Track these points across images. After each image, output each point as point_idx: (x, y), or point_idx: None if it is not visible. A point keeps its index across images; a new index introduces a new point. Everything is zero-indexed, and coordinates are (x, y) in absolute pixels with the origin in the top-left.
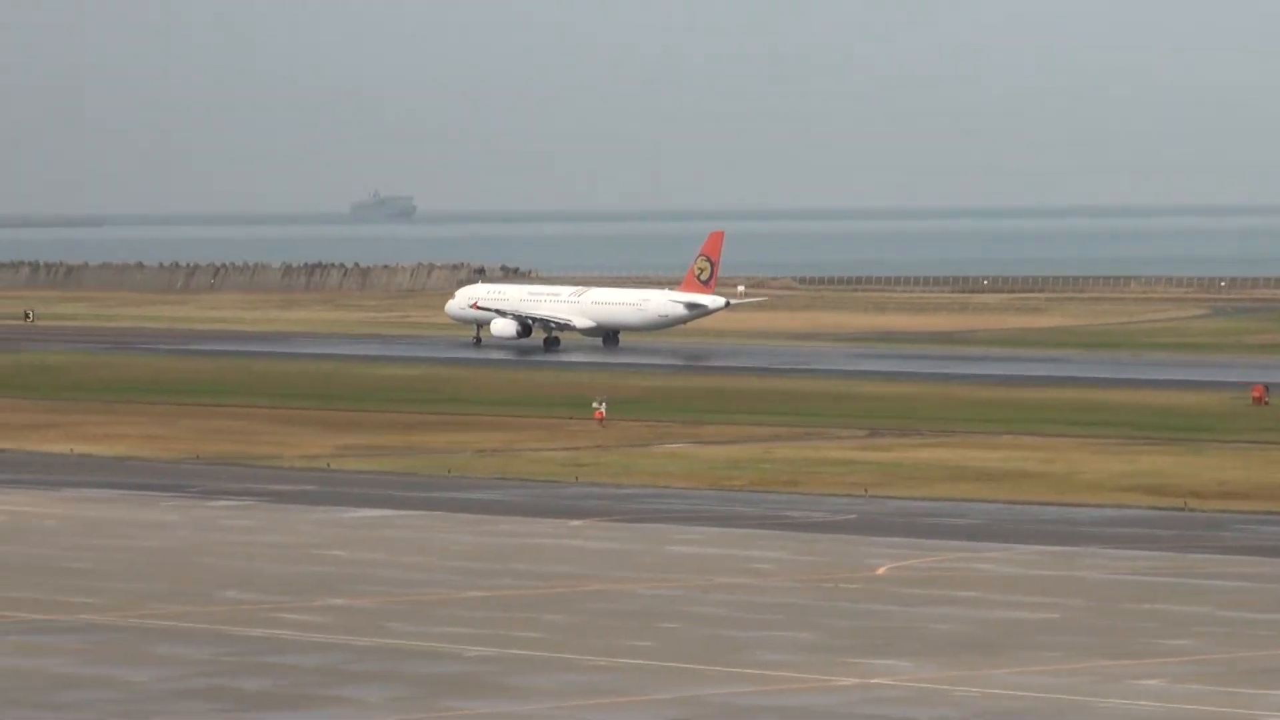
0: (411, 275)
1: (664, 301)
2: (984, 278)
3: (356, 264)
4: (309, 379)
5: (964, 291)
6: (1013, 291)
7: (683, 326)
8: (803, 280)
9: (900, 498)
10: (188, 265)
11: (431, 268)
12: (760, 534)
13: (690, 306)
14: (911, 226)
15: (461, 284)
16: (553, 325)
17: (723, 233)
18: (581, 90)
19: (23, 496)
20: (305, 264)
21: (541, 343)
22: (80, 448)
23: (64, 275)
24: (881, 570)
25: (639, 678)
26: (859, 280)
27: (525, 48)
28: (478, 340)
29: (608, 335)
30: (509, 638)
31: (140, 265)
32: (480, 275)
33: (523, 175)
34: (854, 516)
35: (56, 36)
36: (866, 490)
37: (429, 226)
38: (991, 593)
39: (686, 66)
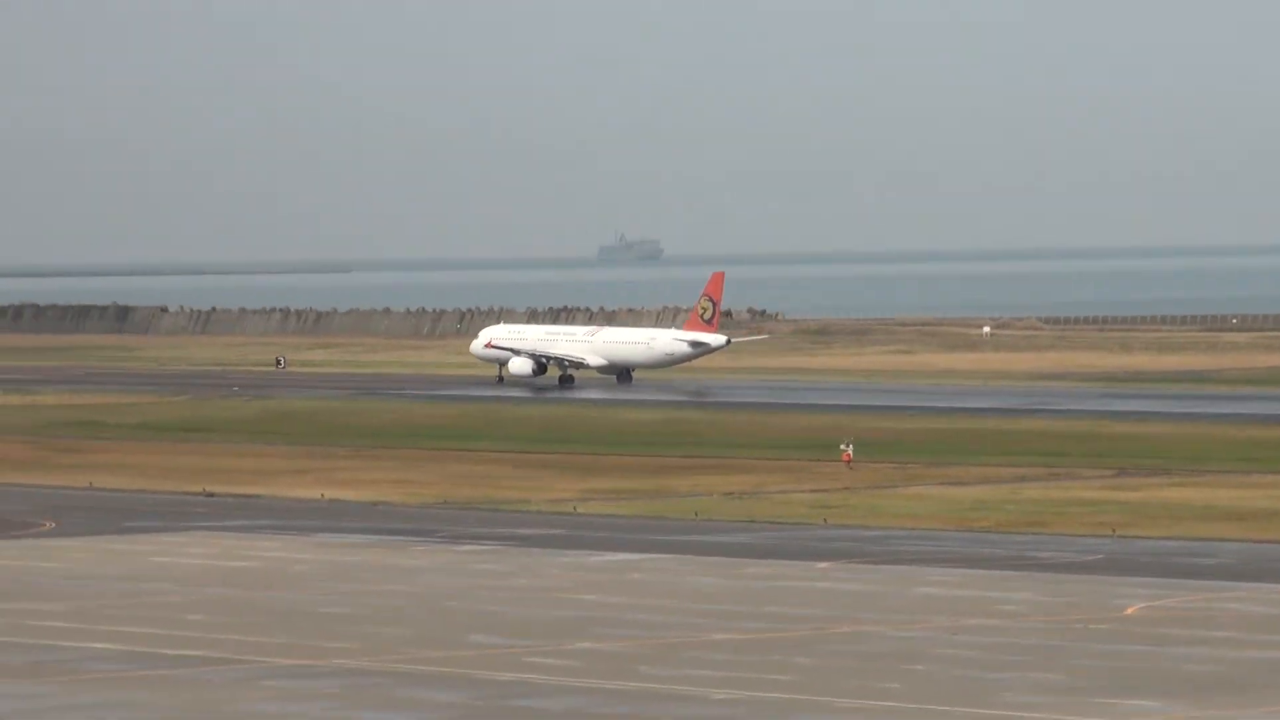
0: (656, 318)
1: (669, 340)
2: (1232, 316)
3: (602, 307)
4: (554, 423)
5: (1212, 330)
6: (1262, 330)
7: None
8: (1047, 320)
9: (1149, 537)
10: (434, 310)
11: (676, 310)
12: (1008, 575)
13: (694, 344)
14: (1156, 265)
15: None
16: (567, 364)
17: (723, 274)
18: (829, 131)
19: (276, 542)
20: (550, 308)
21: (557, 380)
22: (331, 493)
23: (314, 321)
24: (1131, 610)
25: None
26: (1104, 320)
27: (772, 90)
28: (500, 379)
29: (621, 373)
30: (757, 680)
31: (387, 311)
32: (726, 318)
33: (769, 217)
34: (1102, 557)
35: (313, 81)
36: (1115, 530)
37: (676, 269)
38: (1243, 633)
39: (925, 106)
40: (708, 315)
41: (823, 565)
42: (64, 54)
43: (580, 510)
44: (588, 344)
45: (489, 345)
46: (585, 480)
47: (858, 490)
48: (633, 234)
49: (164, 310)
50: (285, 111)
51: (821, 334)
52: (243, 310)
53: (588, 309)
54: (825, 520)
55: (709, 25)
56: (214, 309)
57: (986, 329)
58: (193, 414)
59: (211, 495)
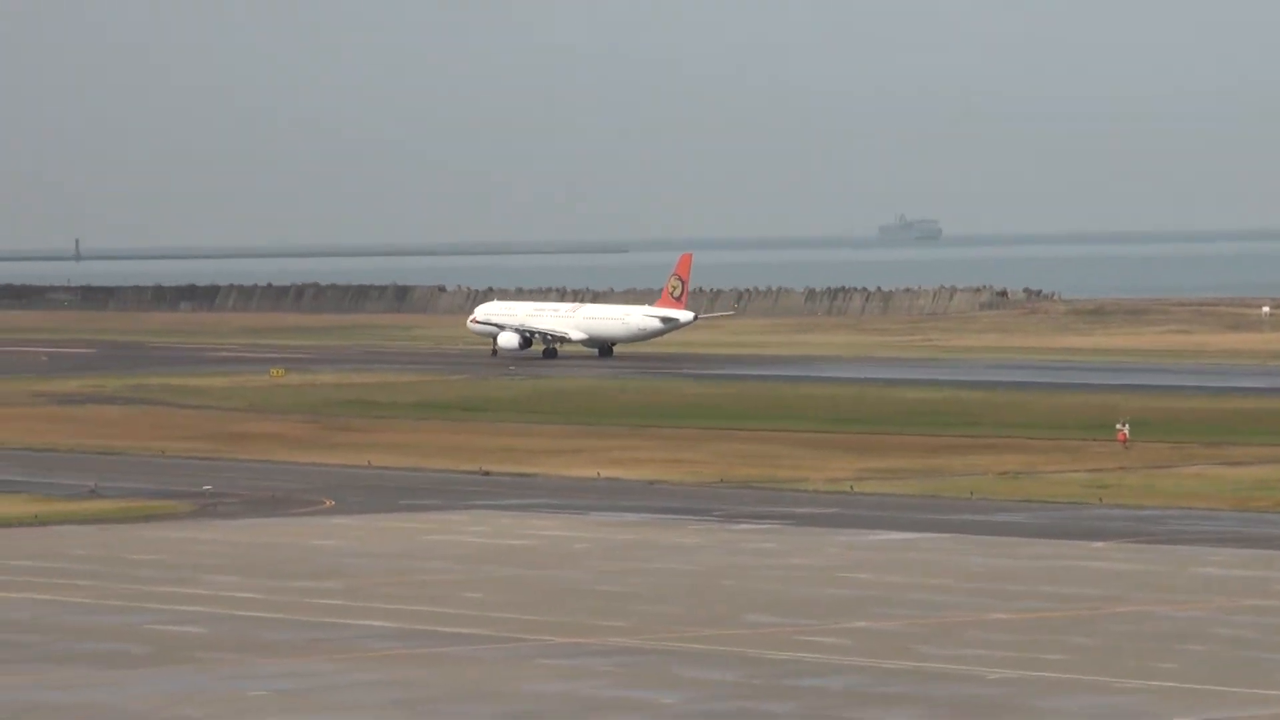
0: (933, 298)
1: (641, 316)
2: None
3: (879, 288)
4: (831, 402)
5: None
6: None
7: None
8: None
9: None
10: (711, 290)
11: (954, 291)
12: None
13: (664, 320)
14: None
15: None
16: (550, 337)
17: (691, 255)
18: (1110, 111)
19: (552, 521)
20: (828, 288)
21: (541, 353)
22: (607, 472)
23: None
24: None
25: (1165, 700)
26: None
27: (1064, 71)
28: (494, 352)
29: (602, 347)
30: (1034, 660)
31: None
32: (1001, 298)
33: (1043, 199)
34: None
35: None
36: None
37: (954, 249)
38: None
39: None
40: (677, 293)
41: (1099, 545)
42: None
43: (856, 489)
44: (570, 319)
45: (473, 320)
46: (862, 459)
47: (1134, 470)
48: (913, 214)
49: (442, 290)
50: (593, 87)
51: (1096, 314)
52: (519, 290)
53: (865, 289)
54: (1101, 500)
55: (1043, 8)
56: (490, 289)
57: (1266, 309)
58: (469, 393)
59: (488, 474)
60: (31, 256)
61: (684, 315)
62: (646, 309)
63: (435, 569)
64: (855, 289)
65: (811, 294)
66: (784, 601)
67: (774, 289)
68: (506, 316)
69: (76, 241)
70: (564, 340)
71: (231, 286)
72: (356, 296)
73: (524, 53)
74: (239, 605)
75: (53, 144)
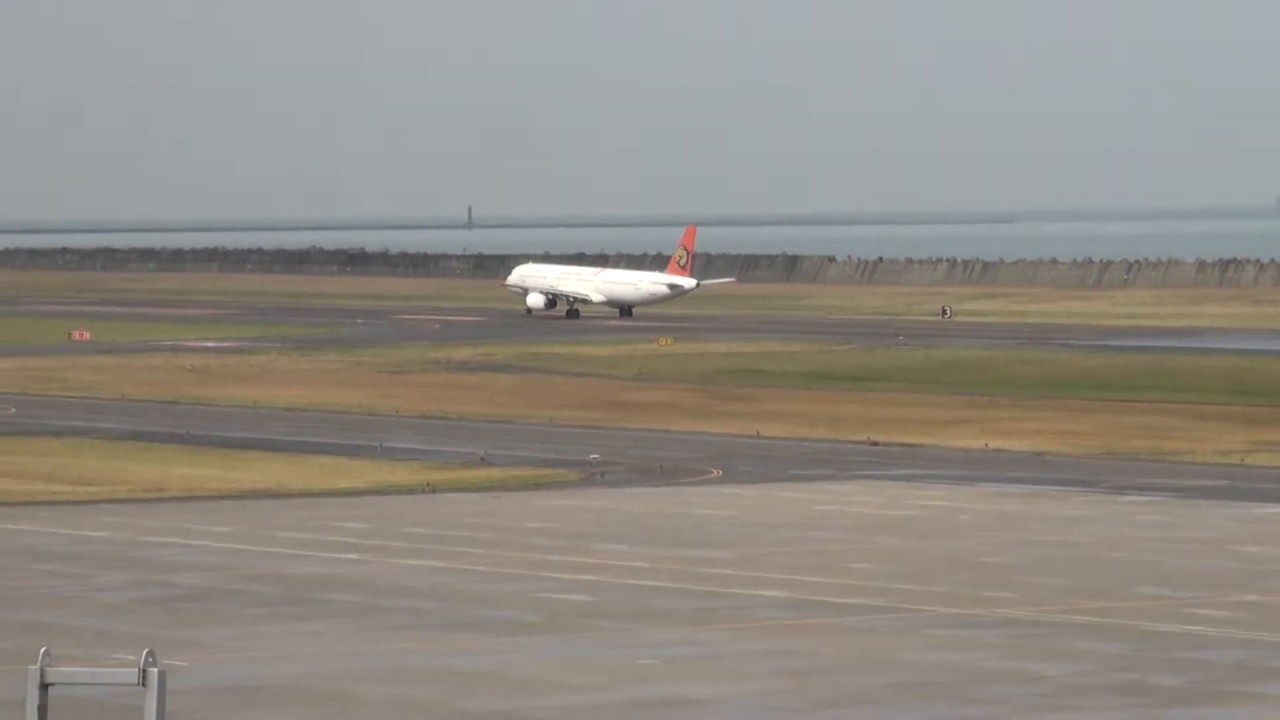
0: None
1: (650, 283)
2: None
3: (1273, 259)
4: (1223, 374)
5: None
6: None
7: None
8: None
9: None
10: (1100, 261)
11: None
12: None
13: (671, 286)
14: None
15: None
16: (572, 299)
17: (695, 228)
18: None
19: (939, 491)
20: (1219, 259)
21: (565, 314)
22: (995, 443)
23: (979, 272)
24: None
25: None
26: None
27: None
28: (528, 311)
29: (623, 309)
30: None
31: (1054, 261)
32: None
33: None
34: None
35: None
36: None
37: None
38: None
39: None
40: (683, 262)
41: None
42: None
43: (1247, 461)
44: (590, 283)
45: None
46: (1254, 432)
47: None
48: None
49: (831, 260)
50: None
51: None
52: (909, 260)
53: (1258, 260)
54: None
55: None
56: (880, 259)
57: None
58: (858, 363)
59: (876, 444)
60: (426, 225)
61: (687, 282)
62: (655, 275)
63: (824, 539)
64: (1248, 260)
65: (1203, 265)
66: (1172, 574)
67: (1164, 260)
68: (537, 279)
69: (469, 210)
70: (585, 301)
71: (619, 255)
72: (746, 265)
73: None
74: (628, 574)
75: (448, 115)
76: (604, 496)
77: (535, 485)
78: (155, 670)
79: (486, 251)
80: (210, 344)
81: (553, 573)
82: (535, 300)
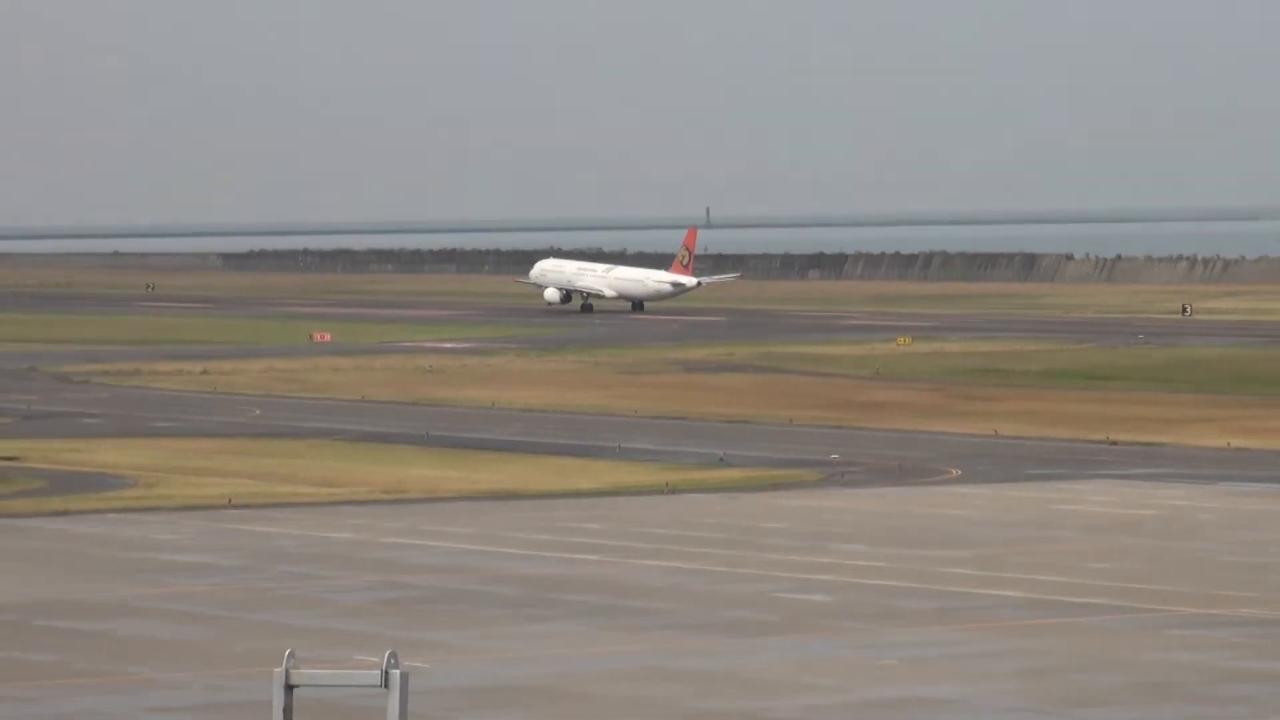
0: None
1: (655, 281)
2: None
3: None
4: None
5: None
6: None
7: None
8: None
9: None
10: None
11: None
12: None
13: (674, 284)
14: None
15: None
16: (586, 294)
17: (696, 229)
18: None
19: (1180, 490)
20: None
21: (579, 308)
22: (1237, 442)
23: (1220, 269)
24: None
25: None
26: None
27: None
28: (549, 306)
29: (634, 303)
30: None
31: None
32: None
33: None
34: None
35: None
36: None
37: None
38: None
39: None
40: (685, 261)
41: None
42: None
43: None
44: (603, 279)
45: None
46: None
47: None
48: None
49: (1069, 258)
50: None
51: None
52: (1148, 258)
53: None
54: None
55: None
56: (1119, 256)
57: None
58: (1097, 361)
59: (1115, 443)
60: (665, 225)
61: (689, 281)
62: (660, 273)
63: (1063, 538)
64: None
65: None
66: None
67: None
68: (556, 274)
69: (707, 210)
70: (599, 296)
71: (859, 255)
72: (984, 264)
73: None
74: (867, 574)
75: (681, 119)
76: (842, 497)
77: (774, 486)
78: (397, 672)
79: (726, 251)
80: (448, 345)
81: (791, 573)
82: (551, 295)
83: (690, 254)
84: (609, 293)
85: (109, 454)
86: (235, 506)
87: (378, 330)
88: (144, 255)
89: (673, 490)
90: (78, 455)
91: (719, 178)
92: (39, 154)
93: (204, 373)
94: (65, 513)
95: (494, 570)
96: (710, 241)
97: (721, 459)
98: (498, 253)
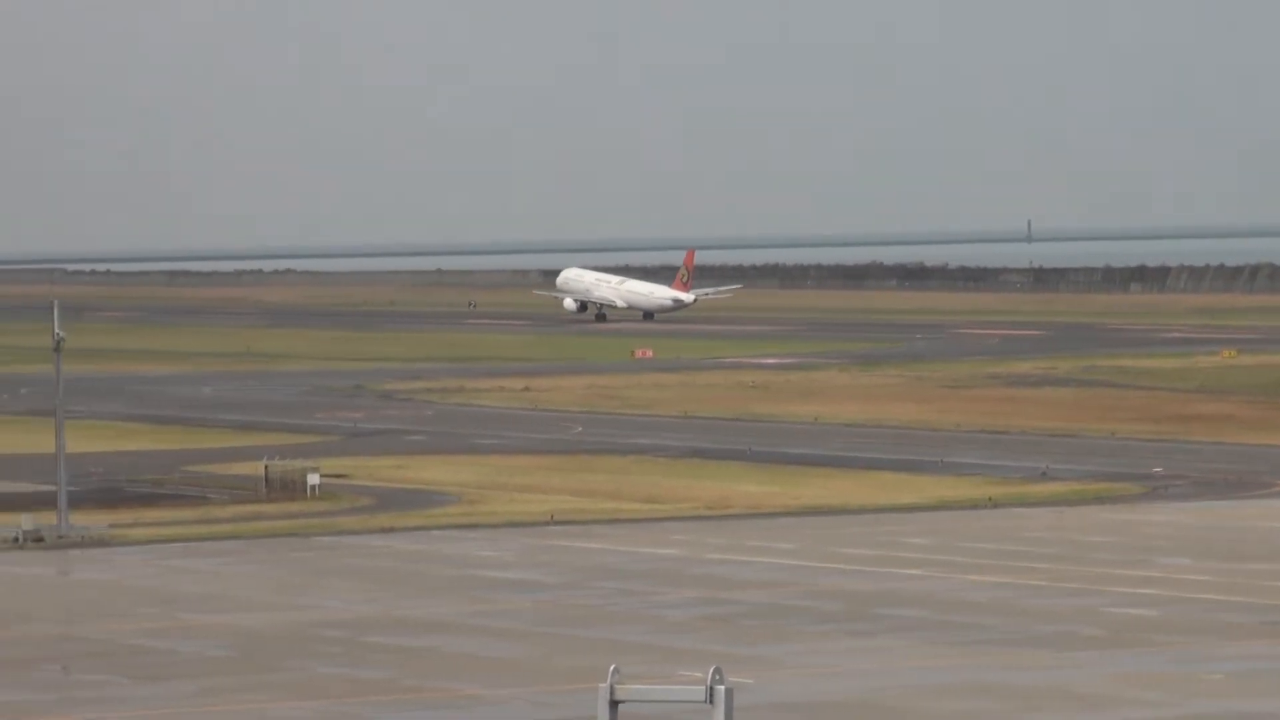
0: None
1: (658, 295)
2: None
3: None
4: None
5: None
6: None
7: None
8: None
9: None
10: None
11: None
12: None
13: (674, 300)
14: None
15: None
16: (600, 305)
17: (694, 251)
18: None
19: None
20: None
21: (594, 317)
22: None
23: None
24: None
25: None
26: None
27: None
28: (569, 314)
29: (645, 314)
30: None
31: None
32: None
33: None
34: None
35: None
36: None
37: None
38: None
39: None
40: (685, 279)
41: None
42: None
43: None
44: (616, 291)
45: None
46: None
47: None
48: None
49: None
50: None
51: None
52: None
53: None
54: None
55: None
56: None
57: None
58: None
59: None
60: (985, 238)
61: (687, 297)
62: (664, 289)
63: None
64: None
65: None
66: None
67: None
68: (576, 284)
69: (1028, 223)
70: (612, 306)
71: (1182, 267)
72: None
73: None
74: (1191, 588)
75: (1000, 123)
76: (1167, 510)
77: (1097, 499)
78: (722, 688)
79: (1047, 265)
80: (770, 360)
81: (1116, 587)
82: (569, 304)
83: (689, 273)
84: (620, 304)
85: (433, 471)
86: (558, 523)
87: (700, 346)
88: (466, 273)
89: (995, 504)
90: (402, 472)
91: (1041, 191)
92: (362, 178)
93: (526, 389)
94: (390, 530)
95: (817, 585)
96: (1033, 255)
97: (1044, 473)
98: (820, 267)
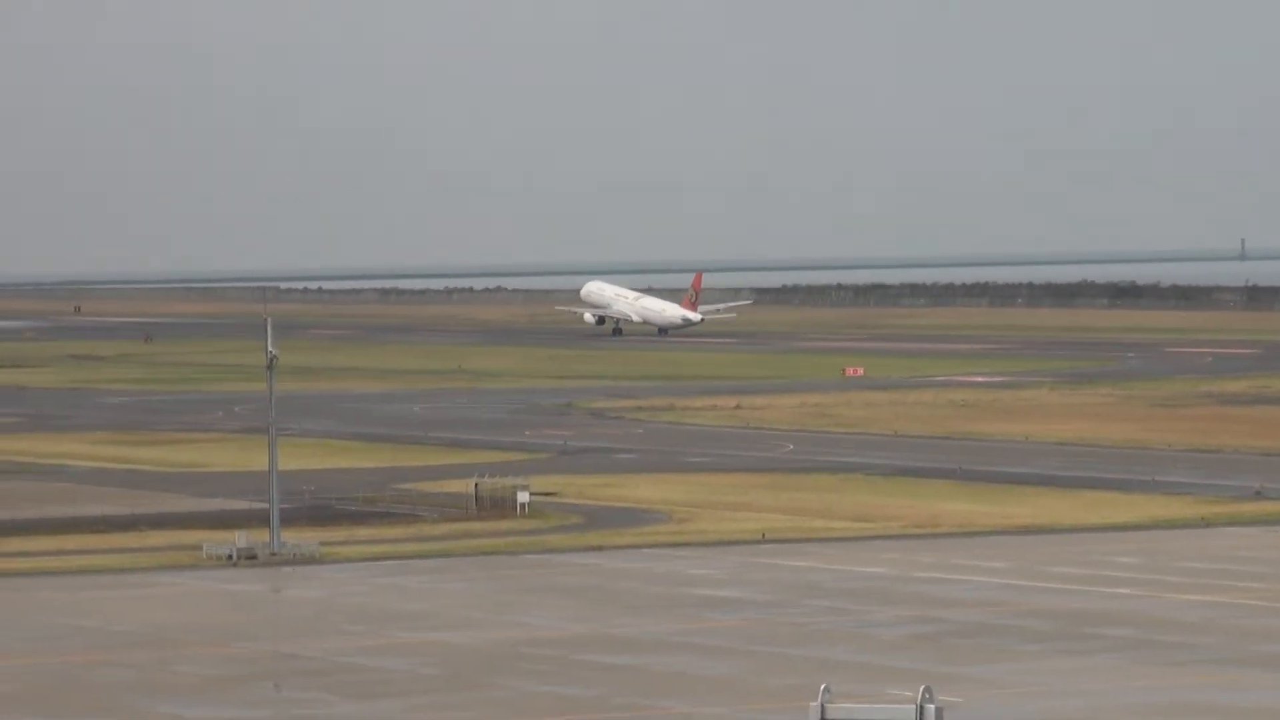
0: None
1: (670, 312)
2: None
3: None
4: None
5: None
6: None
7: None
8: None
9: None
10: None
11: None
12: None
13: (684, 319)
14: None
15: None
16: (617, 319)
17: (702, 274)
18: None
19: None
20: None
21: (611, 331)
22: None
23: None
24: None
25: None
26: None
27: None
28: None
29: (660, 329)
30: None
31: None
32: None
33: None
34: None
35: None
36: None
37: None
38: None
39: None
40: (693, 300)
41: None
42: None
43: None
44: (632, 307)
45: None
46: None
47: None
48: None
49: None
50: None
51: None
52: None
53: None
54: None
55: None
56: None
57: None
58: None
59: None
60: (1198, 257)
61: (694, 315)
62: (675, 307)
63: None
64: None
65: None
66: None
67: None
68: (598, 297)
69: (1242, 241)
70: (628, 321)
71: None
72: None
73: None
74: None
75: (1214, 141)
76: None
77: None
78: (932, 707)
79: (1261, 283)
80: (979, 378)
81: None
82: (589, 317)
83: (697, 294)
84: (635, 318)
85: (643, 489)
86: (769, 541)
87: (910, 364)
88: (679, 291)
89: (1208, 524)
90: (612, 490)
91: (1255, 209)
92: (574, 197)
93: (737, 408)
94: (600, 548)
95: (1028, 604)
96: (1247, 274)
97: (1258, 492)
98: (1030, 285)
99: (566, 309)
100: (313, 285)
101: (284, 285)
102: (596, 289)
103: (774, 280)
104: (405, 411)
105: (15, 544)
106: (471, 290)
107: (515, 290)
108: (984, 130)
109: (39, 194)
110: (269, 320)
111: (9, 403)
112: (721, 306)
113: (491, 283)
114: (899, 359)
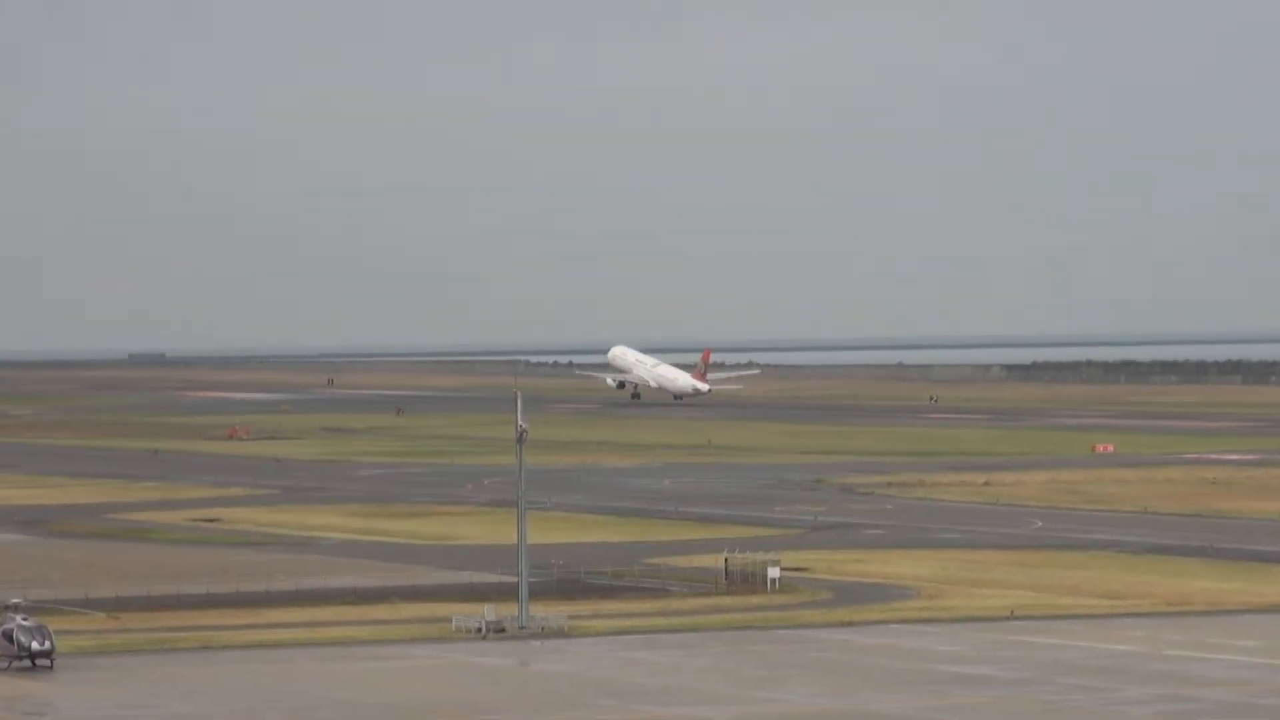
0: None
1: (682, 381)
2: None
3: None
4: None
5: None
6: None
7: None
8: None
9: None
10: None
11: None
12: None
13: (694, 389)
14: None
15: None
16: (635, 385)
17: (710, 350)
18: None
19: None
20: None
21: (630, 396)
22: None
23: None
24: None
25: None
26: None
27: None
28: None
29: (675, 396)
30: None
31: None
32: None
33: None
34: None
35: None
36: None
37: None
38: None
39: None
40: (702, 370)
41: None
42: None
43: None
44: (650, 374)
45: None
46: None
47: None
48: None
49: None
50: None
51: None
52: None
53: None
54: None
55: None
56: None
57: None
58: None
59: None
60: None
61: (703, 386)
62: (687, 376)
63: None
64: None
65: None
66: None
67: None
68: (621, 362)
69: None
70: (646, 386)
71: None
72: None
73: None
74: None
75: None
76: None
77: None
78: None
79: None
80: (1233, 456)
81: None
82: (610, 381)
83: (706, 366)
84: (653, 384)
85: (893, 565)
86: (1017, 618)
87: (1161, 441)
88: (927, 367)
89: None
90: (862, 566)
91: None
92: (818, 278)
93: (986, 484)
94: (850, 623)
95: None
96: None
97: None
98: None
99: (586, 374)
100: (562, 359)
101: (533, 359)
102: (620, 353)
103: (1021, 356)
104: (654, 485)
105: (273, 615)
106: (722, 365)
107: (765, 365)
108: (1229, 209)
109: (307, 271)
110: (519, 394)
111: (266, 475)
112: (731, 375)
113: (743, 358)
114: (1150, 435)
